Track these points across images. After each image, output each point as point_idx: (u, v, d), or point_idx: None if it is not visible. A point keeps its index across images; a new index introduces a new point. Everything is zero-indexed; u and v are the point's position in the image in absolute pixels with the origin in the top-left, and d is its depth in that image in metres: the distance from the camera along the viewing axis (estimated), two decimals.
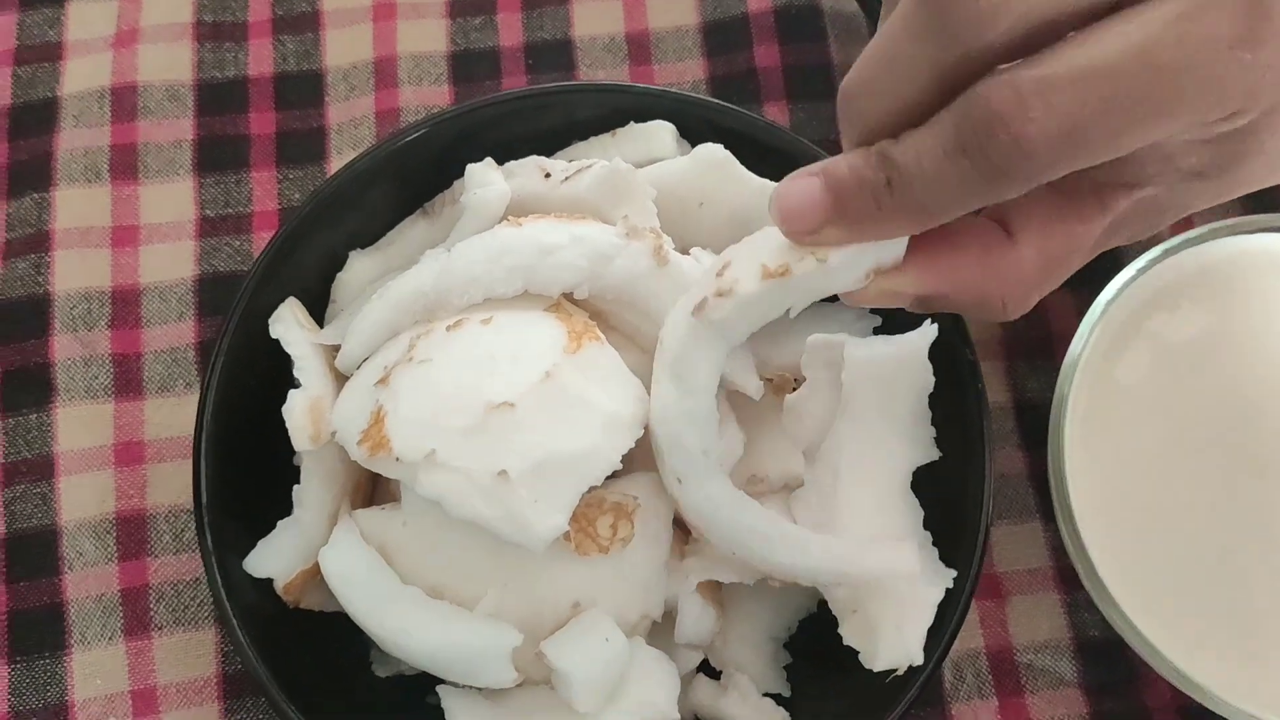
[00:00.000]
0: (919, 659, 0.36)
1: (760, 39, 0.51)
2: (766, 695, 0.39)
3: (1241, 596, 0.38)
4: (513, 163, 0.42)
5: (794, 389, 0.42)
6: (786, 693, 0.40)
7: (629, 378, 0.37)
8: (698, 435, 0.36)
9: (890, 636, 0.36)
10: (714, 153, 0.40)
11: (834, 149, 0.48)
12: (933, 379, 0.38)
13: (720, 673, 0.40)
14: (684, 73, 0.51)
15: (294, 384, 0.39)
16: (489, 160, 0.41)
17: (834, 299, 0.39)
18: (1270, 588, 0.38)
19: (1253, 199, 0.47)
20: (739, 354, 0.41)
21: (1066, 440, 0.39)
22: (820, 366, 0.40)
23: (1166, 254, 0.41)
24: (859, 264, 0.33)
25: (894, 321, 0.40)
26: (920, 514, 0.38)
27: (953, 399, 0.39)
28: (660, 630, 0.39)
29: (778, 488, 0.41)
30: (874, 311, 0.41)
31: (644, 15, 0.52)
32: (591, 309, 0.40)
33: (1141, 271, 0.41)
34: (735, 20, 0.51)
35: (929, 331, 0.38)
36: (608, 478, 0.37)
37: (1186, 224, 0.47)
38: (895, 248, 0.33)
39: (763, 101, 0.50)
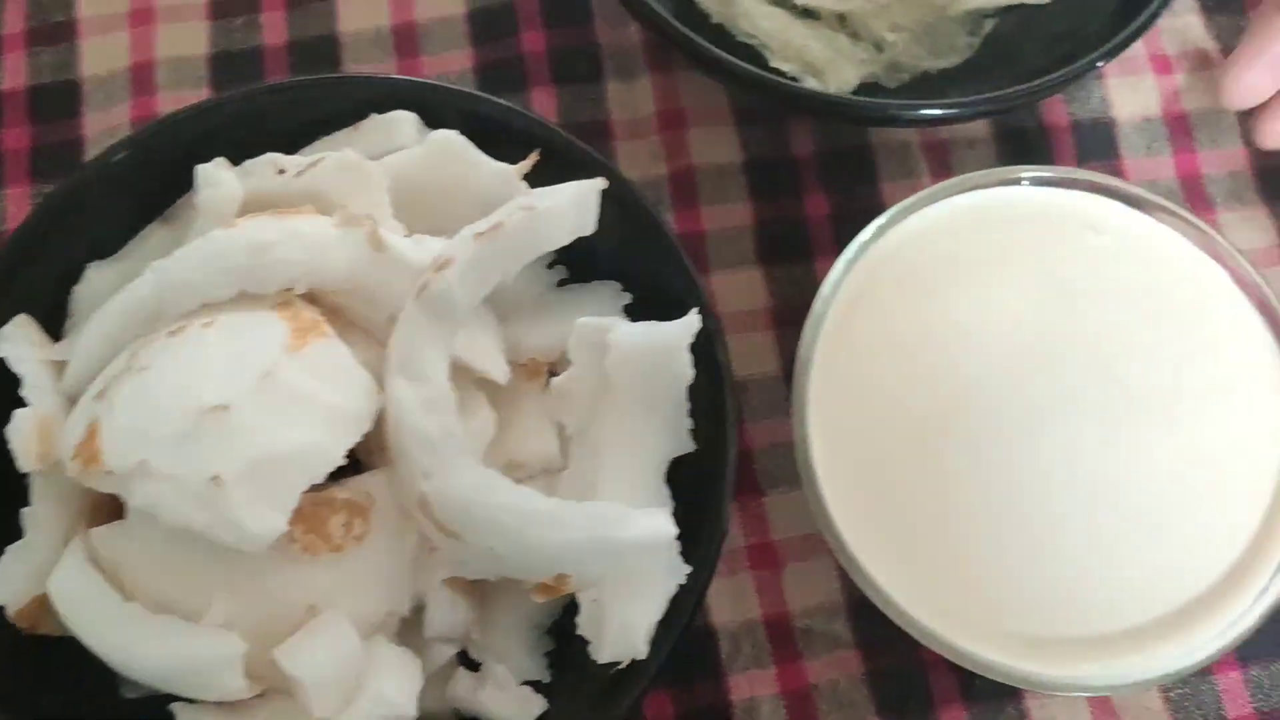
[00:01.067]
0: (643, 652, 0.35)
1: (526, 25, 0.51)
2: (527, 683, 0.39)
3: (991, 554, 0.37)
4: (248, 161, 0.41)
5: (548, 374, 0.42)
6: (546, 679, 0.39)
7: (358, 372, 0.37)
8: (438, 421, 0.36)
9: (615, 630, 0.35)
10: (448, 139, 0.40)
11: (596, 130, 0.48)
12: (692, 371, 0.38)
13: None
14: (452, 63, 0.50)
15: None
16: (220, 160, 0.40)
17: (593, 277, 0.42)
18: (1016, 542, 0.37)
19: (1007, 151, 0.50)
20: (484, 337, 0.40)
21: (809, 402, 0.39)
22: (587, 349, 0.40)
23: (904, 212, 0.41)
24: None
25: (650, 306, 0.40)
26: (671, 505, 0.38)
27: (705, 392, 0.39)
28: (414, 625, 0.38)
29: (537, 473, 0.41)
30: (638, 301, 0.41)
31: (411, 7, 0.51)
32: (328, 304, 0.39)
33: (881, 230, 0.41)
34: (501, 7, 0.51)
35: (692, 322, 0.38)
36: (343, 475, 0.37)
37: (932, 179, 0.48)
38: None
39: (530, 87, 0.49)
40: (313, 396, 0.35)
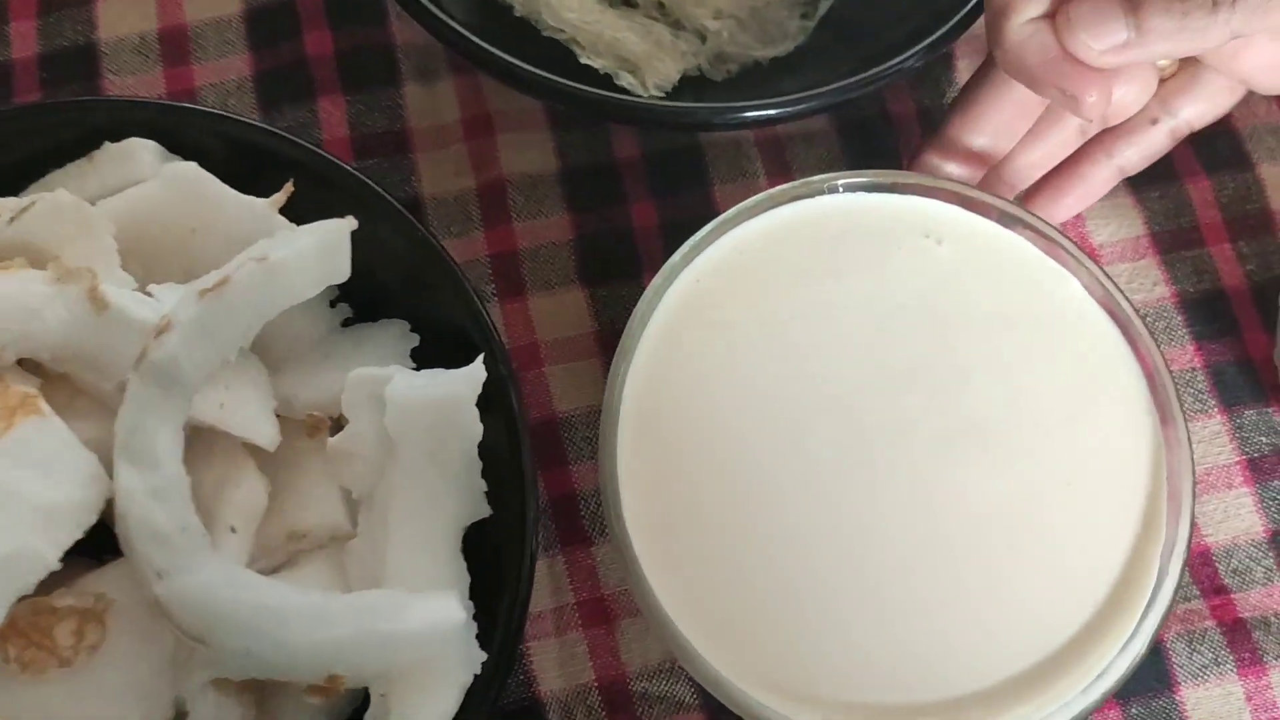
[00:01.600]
0: None
1: (310, 24, 0.45)
2: None
3: (819, 613, 0.33)
4: None
5: (333, 428, 0.38)
6: None
7: (79, 456, 0.31)
8: (170, 512, 0.31)
9: None
10: (185, 171, 0.35)
11: (392, 141, 0.43)
12: (480, 428, 0.34)
13: None
14: (228, 70, 0.44)
15: None
16: None
17: (382, 315, 0.37)
18: (848, 599, 0.33)
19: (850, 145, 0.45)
20: (248, 394, 0.35)
21: (618, 447, 0.34)
22: (364, 404, 0.35)
23: (718, 230, 0.36)
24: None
25: (441, 348, 0.36)
26: (467, 580, 0.34)
27: (504, 446, 0.35)
28: None
29: (324, 542, 0.36)
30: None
31: (180, 8, 0.45)
32: (51, 371, 0.33)
33: (692, 251, 0.36)
34: (281, 6, 0.45)
35: (476, 372, 0.34)
36: (70, 575, 0.32)
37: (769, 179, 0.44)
38: None
39: (317, 95, 0.44)
40: (19, 490, 0.30)
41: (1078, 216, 0.45)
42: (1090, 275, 0.37)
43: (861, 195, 0.37)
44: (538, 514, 0.33)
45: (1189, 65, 0.41)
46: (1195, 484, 0.35)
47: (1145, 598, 0.34)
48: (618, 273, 0.43)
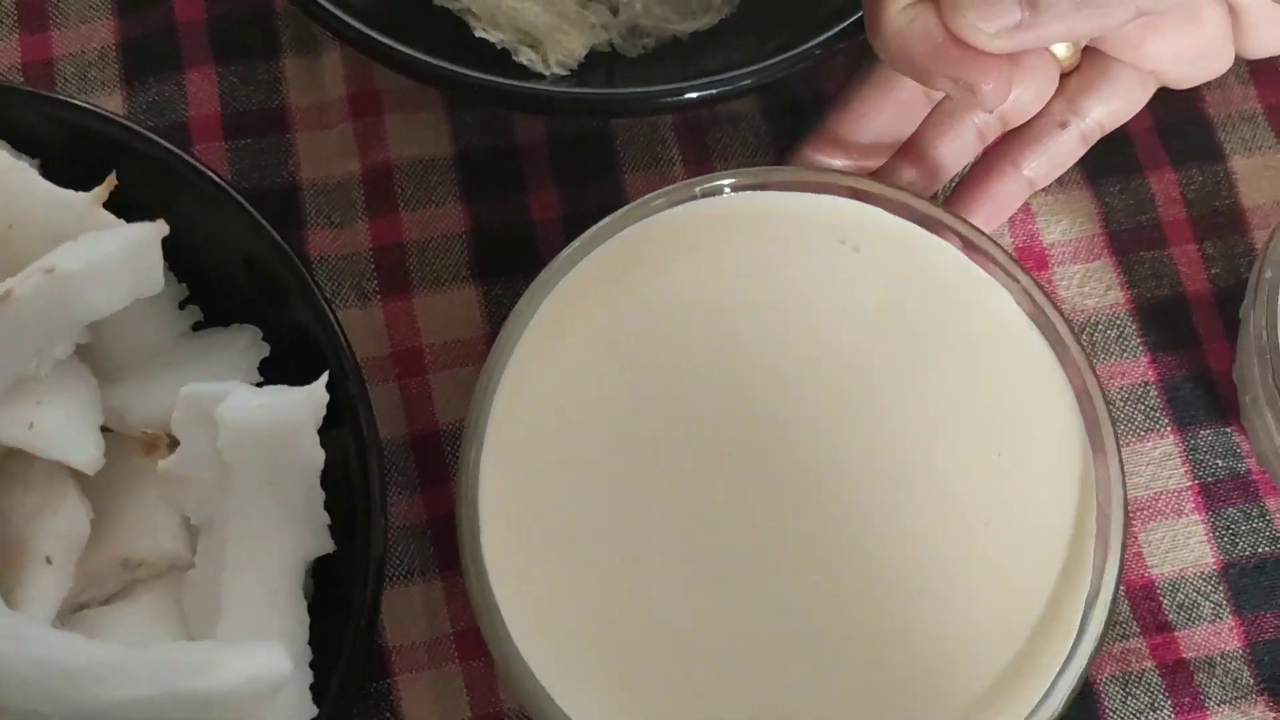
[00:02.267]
0: None
1: None
2: None
3: (684, 651, 0.30)
4: None
5: (173, 446, 0.34)
6: None
7: None
8: None
9: None
10: None
11: (269, 119, 0.39)
12: (320, 455, 0.30)
13: None
14: (90, 37, 0.40)
15: None
16: None
17: (235, 319, 0.33)
18: (732, 642, 0.30)
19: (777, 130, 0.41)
20: (67, 410, 0.31)
21: (480, 474, 0.31)
22: (196, 426, 0.31)
23: (605, 231, 0.32)
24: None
25: (293, 358, 0.32)
26: (305, 622, 0.31)
27: (347, 479, 0.31)
28: None
29: (162, 571, 0.33)
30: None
31: None
32: None
33: (575, 255, 0.32)
34: None
35: (316, 394, 0.30)
36: None
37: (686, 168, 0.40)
38: None
39: (186, 67, 0.40)
40: None
41: (1027, 213, 0.41)
42: (1022, 289, 0.33)
43: (769, 195, 0.34)
44: (384, 550, 0.30)
45: (1095, 59, 0.37)
46: (1127, 523, 0.32)
47: (1064, 650, 0.31)
48: (514, 269, 0.39)
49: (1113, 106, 0.37)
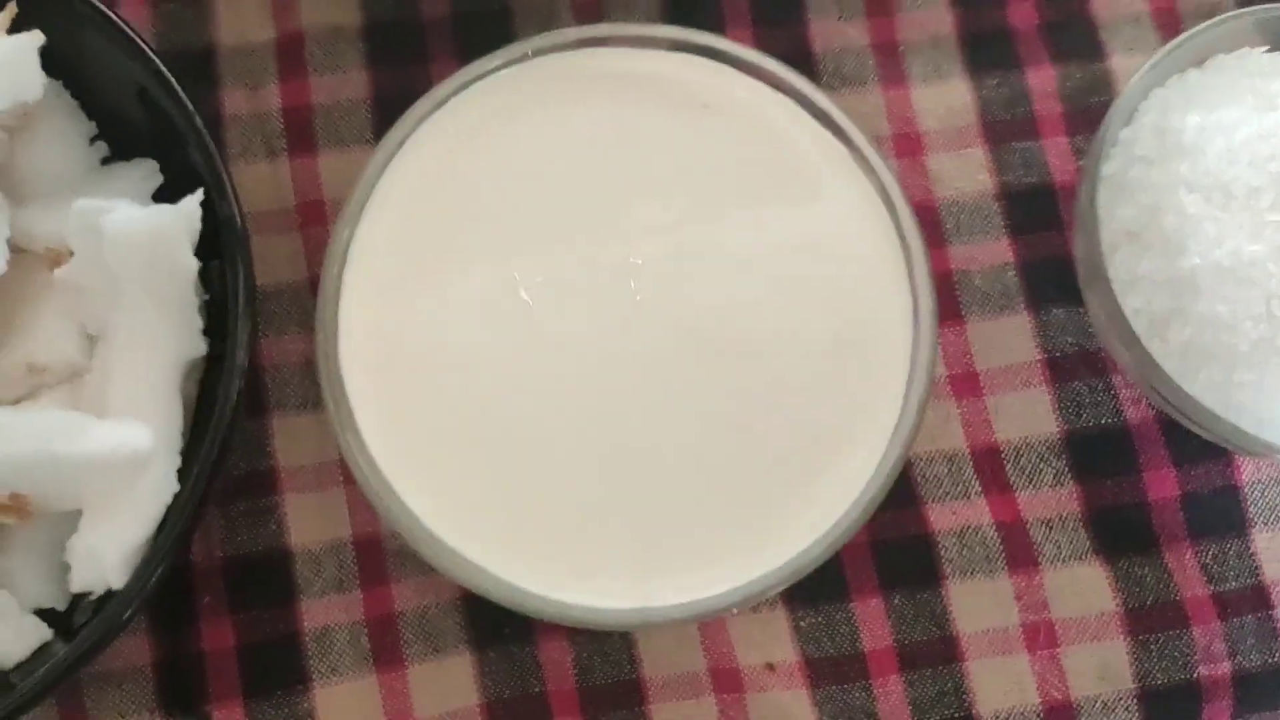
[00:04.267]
0: (117, 582, 0.31)
1: None
2: (41, 611, 0.34)
3: (548, 481, 0.33)
4: None
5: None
6: (63, 606, 0.35)
7: None
8: None
9: (82, 556, 0.31)
10: None
11: None
12: (195, 262, 0.33)
13: None
14: None
15: None
16: None
17: (139, 155, 0.36)
18: (570, 465, 0.33)
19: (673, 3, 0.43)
20: None
21: (341, 307, 0.33)
22: (87, 237, 0.34)
23: (461, 84, 0.35)
24: None
25: (184, 189, 0.35)
26: (179, 414, 0.34)
27: (220, 282, 0.34)
28: None
29: (65, 377, 0.36)
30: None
31: None
32: None
33: (437, 104, 0.35)
34: None
35: (190, 209, 0.33)
36: None
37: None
38: None
39: None
40: None
41: (904, 100, 0.43)
42: (857, 148, 0.35)
43: (631, 51, 0.36)
44: (247, 355, 0.33)
45: None
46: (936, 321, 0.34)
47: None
48: None
49: None
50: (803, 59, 0.43)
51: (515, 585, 0.31)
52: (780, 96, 0.36)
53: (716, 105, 0.36)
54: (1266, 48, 0.38)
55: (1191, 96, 0.37)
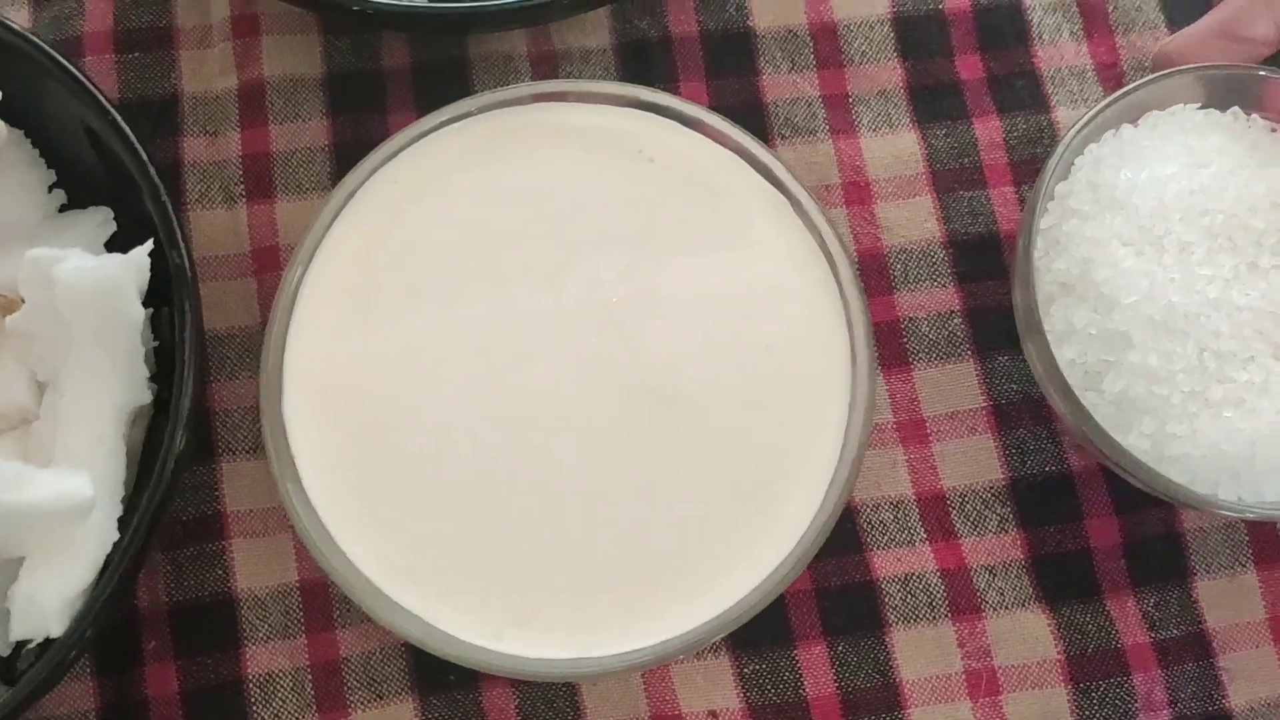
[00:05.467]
0: (56, 630, 0.31)
1: None
2: None
3: (482, 531, 0.33)
4: None
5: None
6: (5, 652, 0.34)
7: None
8: None
9: (22, 604, 0.31)
10: None
11: (156, 37, 0.41)
12: (141, 312, 0.34)
13: None
14: None
15: None
16: None
17: (96, 203, 0.36)
18: (505, 511, 0.33)
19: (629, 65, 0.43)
20: None
21: (287, 352, 0.34)
22: (39, 285, 0.35)
23: (414, 137, 0.36)
24: None
25: (138, 238, 0.35)
26: (123, 463, 0.34)
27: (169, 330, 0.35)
28: None
29: (15, 424, 0.37)
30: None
31: None
32: None
33: (388, 156, 0.36)
34: None
35: (138, 259, 0.34)
36: None
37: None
38: None
39: None
40: None
41: (854, 150, 0.44)
42: (794, 196, 0.36)
43: (558, 107, 0.37)
44: (191, 404, 0.33)
45: None
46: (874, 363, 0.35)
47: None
48: None
49: None
50: (755, 110, 0.44)
51: (452, 636, 0.31)
52: (723, 150, 0.37)
53: (661, 158, 0.37)
54: (1200, 105, 0.39)
55: (1126, 152, 0.38)
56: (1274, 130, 0.39)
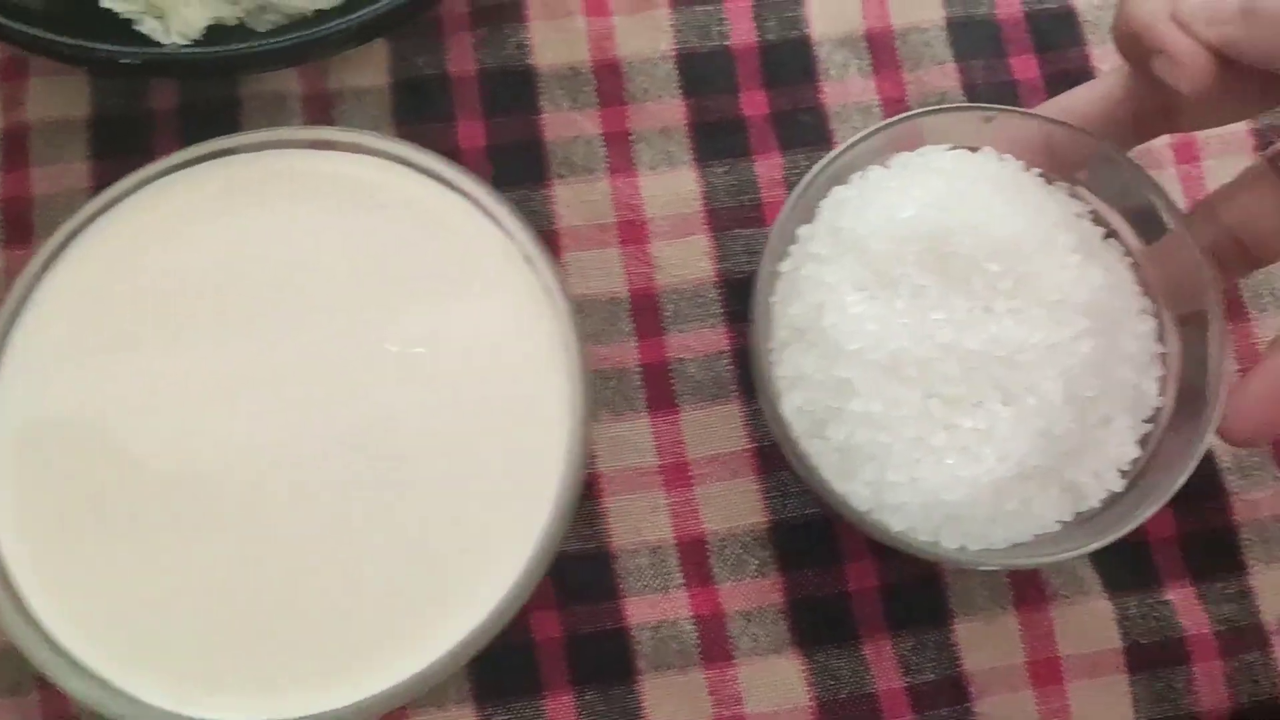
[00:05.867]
0: None
1: None
2: None
3: (168, 590, 0.33)
4: None
5: None
6: None
7: None
8: None
9: None
10: None
11: None
12: None
13: None
14: None
15: None
16: None
17: None
18: (190, 566, 0.33)
19: (405, 103, 0.43)
20: None
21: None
22: None
23: (120, 195, 0.36)
24: None
25: None
26: None
27: None
28: None
29: None
30: None
31: None
32: None
33: (96, 214, 0.35)
34: None
35: None
36: None
37: None
38: None
39: None
40: None
41: (632, 188, 0.44)
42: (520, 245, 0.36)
43: (301, 153, 0.37)
44: None
45: None
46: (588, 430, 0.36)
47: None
48: None
49: None
50: (533, 148, 0.44)
51: (136, 698, 0.31)
52: (453, 195, 0.37)
53: (391, 205, 0.36)
54: (950, 145, 0.39)
55: (869, 195, 0.38)
56: (1026, 170, 0.39)
